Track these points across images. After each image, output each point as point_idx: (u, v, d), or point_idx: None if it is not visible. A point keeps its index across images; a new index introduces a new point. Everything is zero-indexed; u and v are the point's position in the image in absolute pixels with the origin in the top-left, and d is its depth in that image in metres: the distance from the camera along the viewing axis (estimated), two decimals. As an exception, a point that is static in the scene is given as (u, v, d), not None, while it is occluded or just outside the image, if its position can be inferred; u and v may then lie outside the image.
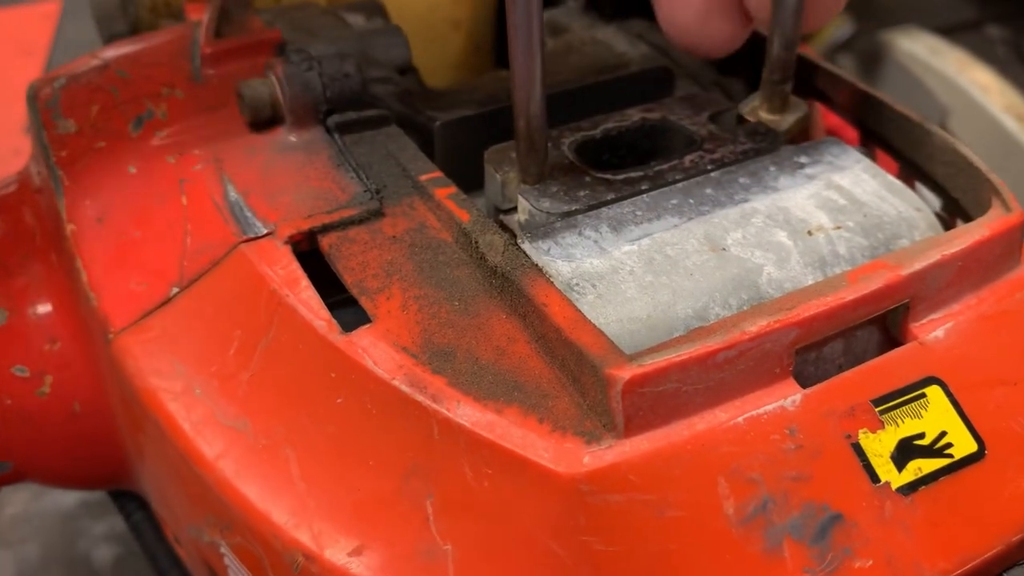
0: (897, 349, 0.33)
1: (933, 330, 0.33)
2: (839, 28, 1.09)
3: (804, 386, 0.31)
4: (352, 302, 0.34)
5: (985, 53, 1.22)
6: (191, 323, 0.36)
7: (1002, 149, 0.99)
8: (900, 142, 0.42)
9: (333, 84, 0.40)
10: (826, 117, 0.55)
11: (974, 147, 1.09)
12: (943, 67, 1.01)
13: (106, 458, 0.44)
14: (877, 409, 0.31)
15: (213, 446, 0.33)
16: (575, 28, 0.58)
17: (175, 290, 0.36)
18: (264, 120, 0.40)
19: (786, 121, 0.41)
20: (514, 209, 0.39)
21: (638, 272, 0.33)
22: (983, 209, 0.38)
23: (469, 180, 0.44)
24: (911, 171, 0.43)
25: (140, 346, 0.36)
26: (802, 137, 0.45)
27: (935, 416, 0.31)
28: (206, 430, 0.34)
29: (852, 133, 0.47)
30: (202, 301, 0.36)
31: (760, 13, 0.38)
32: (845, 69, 1.35)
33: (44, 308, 0.41)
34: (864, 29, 0.98)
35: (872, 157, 0.44)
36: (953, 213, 0.41)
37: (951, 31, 1.22)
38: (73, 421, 0.42)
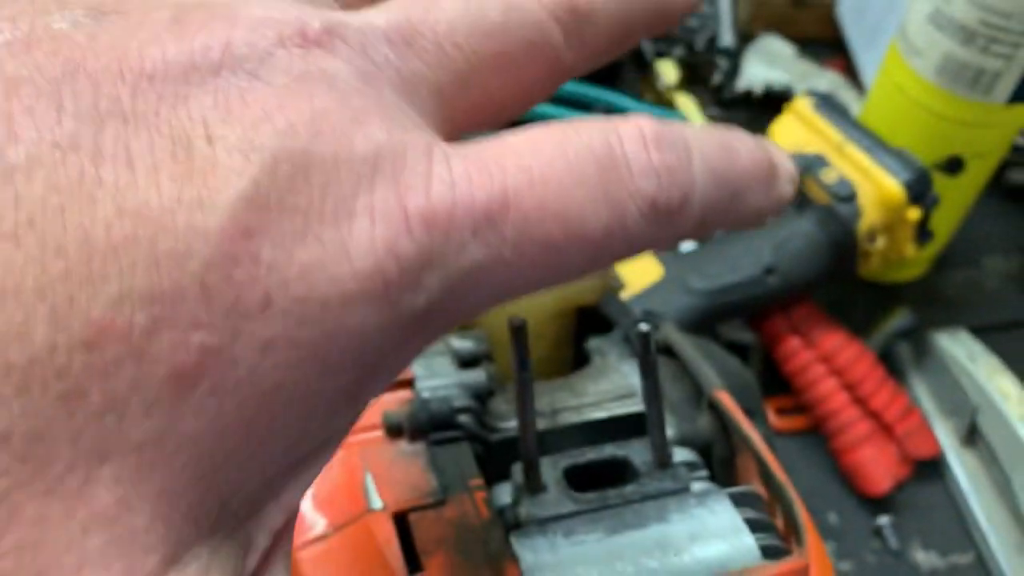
0: None
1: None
2: (901, 319, 1.28)
3: None
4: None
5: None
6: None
7: (1015, 453, 1.15)
8: None
9: (436, 418, 0.70)
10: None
11: (994, 447, 1.34)
12: (975, 371, 1.20)
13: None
14: None
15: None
16: (611, 359, 0.86)
17: (330, 530, 0.66)
18: (395, 433, 0.71)
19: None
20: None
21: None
22: None
23: (509, 463, 0.73)
24: None
25: None
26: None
27: None
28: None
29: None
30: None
31: None
32: (900, 356, 1.52)
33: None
34: (923, 321, 1.20)
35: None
36: None
37: (1013, 327, 1.39)
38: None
